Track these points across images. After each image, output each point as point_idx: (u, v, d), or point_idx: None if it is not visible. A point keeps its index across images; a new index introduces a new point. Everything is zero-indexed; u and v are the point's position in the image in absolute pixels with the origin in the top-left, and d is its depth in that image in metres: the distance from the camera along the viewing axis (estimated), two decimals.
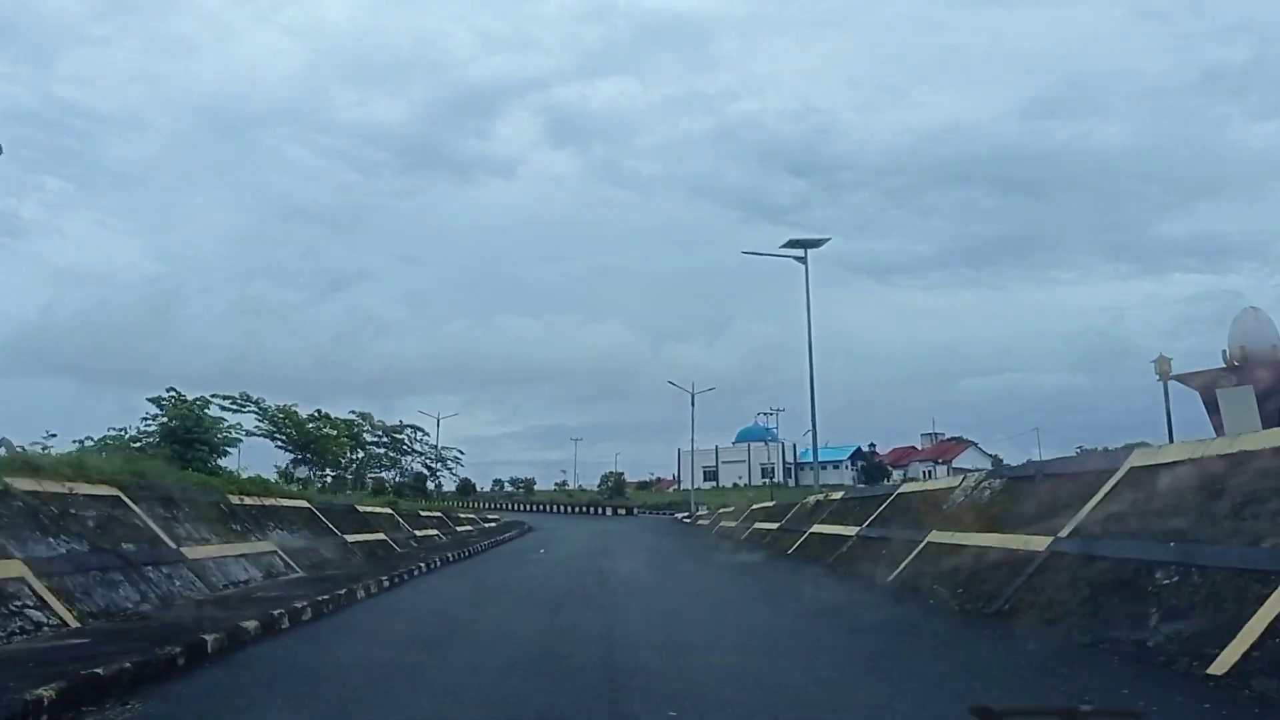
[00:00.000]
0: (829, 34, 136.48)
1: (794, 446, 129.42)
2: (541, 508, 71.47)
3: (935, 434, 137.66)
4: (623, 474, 67.34)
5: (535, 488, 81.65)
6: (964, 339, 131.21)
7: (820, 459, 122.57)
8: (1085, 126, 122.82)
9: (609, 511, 63.59)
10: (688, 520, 49.06)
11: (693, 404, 59.71)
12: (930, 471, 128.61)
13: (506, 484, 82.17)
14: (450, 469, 57.11)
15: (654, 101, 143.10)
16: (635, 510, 64.50)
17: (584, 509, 66.42)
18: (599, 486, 67.59)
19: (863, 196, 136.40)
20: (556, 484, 78.66)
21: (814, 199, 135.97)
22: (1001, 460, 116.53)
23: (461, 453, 57.38)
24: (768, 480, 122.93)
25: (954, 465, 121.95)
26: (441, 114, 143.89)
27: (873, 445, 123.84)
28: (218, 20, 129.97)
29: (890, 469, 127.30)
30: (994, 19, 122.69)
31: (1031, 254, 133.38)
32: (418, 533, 25.82)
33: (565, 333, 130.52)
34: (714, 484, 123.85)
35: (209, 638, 6.78)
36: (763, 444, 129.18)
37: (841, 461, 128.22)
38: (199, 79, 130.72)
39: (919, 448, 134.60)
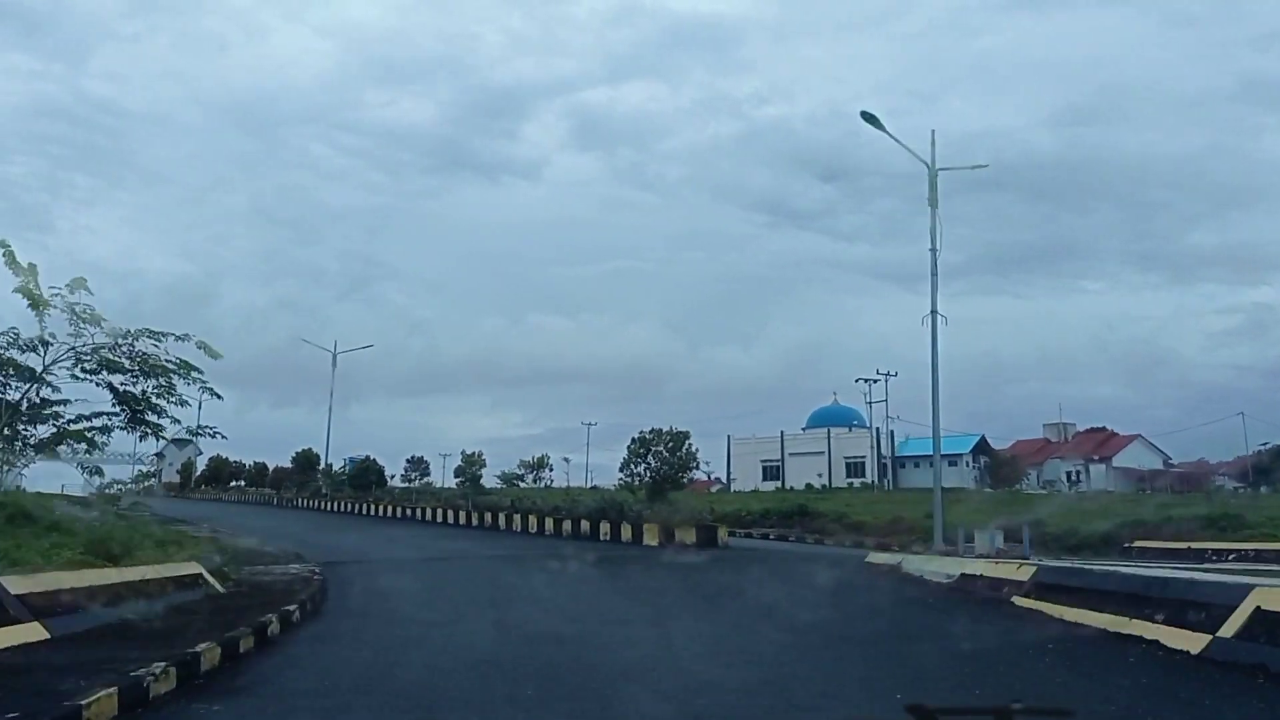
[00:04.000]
0: (859, 39, 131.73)
1: (891, 434, 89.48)
2: (492, 522, 32.05)
3: (1064, 424, 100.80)
4: (687, 436, 27.54)
5: (491, 484, 42.74)
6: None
7: (932, 453, 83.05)
8: (1116, 135, 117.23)
9: (652, 540, 23.48)
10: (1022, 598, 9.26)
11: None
12: (1081, 472, 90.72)
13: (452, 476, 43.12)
14: (157, 410, 16.96)
15: (681, 105, 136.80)
16: (718, 532, 24.09)
17: (584, 529, 26.61)
18: (626, 476, 28.18)
19: (890, 203, 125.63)
20: (522, 462, 38.37)
21: (841, 204, 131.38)
22: (1170, 459, 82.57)
23: (199, 371, 17.43)
24: (855, 481, 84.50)
25: (1114, 463, 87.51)
26: (468, 115, 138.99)
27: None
28: (249, 18, 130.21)
29: (1026, 468, 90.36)
30: (1025, 26, 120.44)
31: (1060, 263, 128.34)
32: None
33: (589, 334, 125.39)
34: (777, 483, 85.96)
35: None
36: (847, 430, 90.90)
37: (960, 456, 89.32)
38: (229, 77, 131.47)
39: (1051, 440, 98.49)
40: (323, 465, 52.48)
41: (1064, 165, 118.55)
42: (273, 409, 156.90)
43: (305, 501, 51.51)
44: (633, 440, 27.06)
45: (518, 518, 30.68)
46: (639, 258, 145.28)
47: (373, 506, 42.90)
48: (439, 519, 36.57)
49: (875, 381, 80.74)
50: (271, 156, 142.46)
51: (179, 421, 18.71)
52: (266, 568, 14.65)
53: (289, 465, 57.16)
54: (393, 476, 47.36)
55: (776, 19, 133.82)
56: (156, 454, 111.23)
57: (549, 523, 28.85)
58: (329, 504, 47.48)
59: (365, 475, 46.23)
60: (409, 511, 39.69)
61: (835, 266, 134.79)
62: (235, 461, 72.57)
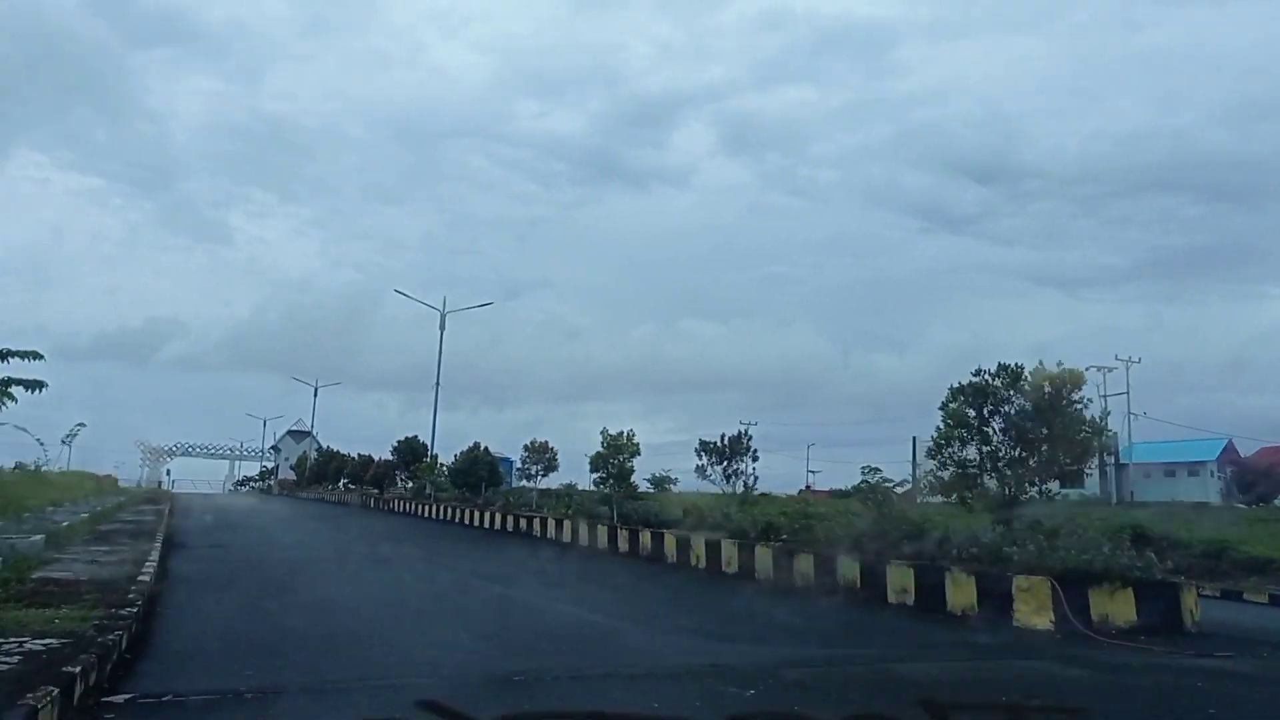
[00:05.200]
0: (1018, 38, 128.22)
1: (1115, 437, 71.23)
2: (652, 550, 19.39)
3: None
4: (1080, 381, 14.94)
5: (665, 486, 29.27)
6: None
7: (1170, 459, 69.53)
8: None
9: (1036, 614, 10.55)
10: None
11: None
12: None
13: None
14: None
15: (831, 109, 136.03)
16: (1182, 596, 10.92)
17: (846, 576, 13.57)
18: (937, 467, 15.85)
19: (1051, 205, 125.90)
20: (703, 444, 24.74)
21: (999, 208, 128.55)
22: None
23: None
24: (1070, 491, 67.48)
25: None
26: (618, 125, 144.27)
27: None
28: (410, 36, 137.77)
29: None
30: (1197, 17, 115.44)
31: (1238, 267, 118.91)
32: None
33: (740, 340, 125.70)
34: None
35: None
36: None
37: (1204, 464, 71.91)
38: (392, 93, 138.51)
39: None
40: (428, 457, 41.52)
41: (1241, 163, 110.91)
42: (441, 413, 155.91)
43: (406, 505, 40.68)
44: (953, 391, 12.57)
45: (700, 546, 17.83)
46: (789, 263, 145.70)
47: (478, 514, 31.12)
48: (564, 536, 24.37)
49: (1111, 370, 64.09)
50: (431, 169, 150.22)
51: None
52: None
53: (390, 458, 46.83)
54: (508, 473, 35.87)
55: (931, 20, 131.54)
56: (273, 448, 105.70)
57: (764, 558, 15.88)
58: (431, 508, 36.26)
59: (474, 470, 34.58)
60: (522, 523, 27.64)
61: (992, 271, 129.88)
62: (342, 454, 63.48)
